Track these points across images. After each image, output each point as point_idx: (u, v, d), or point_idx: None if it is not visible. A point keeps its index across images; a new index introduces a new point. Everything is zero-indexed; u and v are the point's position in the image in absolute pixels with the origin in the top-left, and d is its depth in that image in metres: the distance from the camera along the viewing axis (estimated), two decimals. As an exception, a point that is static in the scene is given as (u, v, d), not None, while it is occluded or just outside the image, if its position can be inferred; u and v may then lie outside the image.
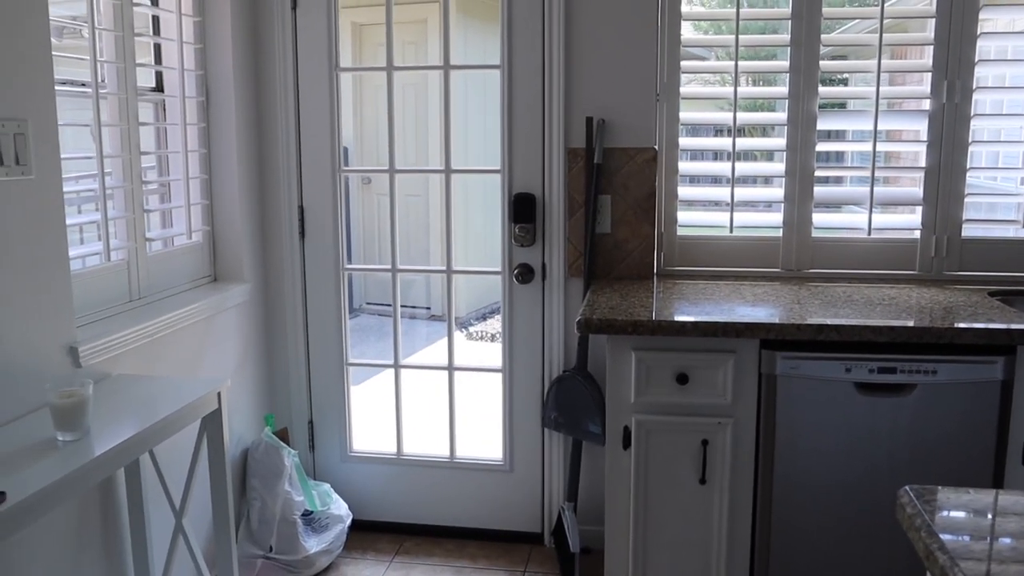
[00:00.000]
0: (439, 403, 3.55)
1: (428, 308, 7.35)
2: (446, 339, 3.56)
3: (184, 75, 3.04)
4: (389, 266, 3.49)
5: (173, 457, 2.68)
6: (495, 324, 7.04)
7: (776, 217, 3.22)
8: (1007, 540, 1.25)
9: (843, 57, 4.10)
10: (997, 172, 3.56)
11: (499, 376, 3.44)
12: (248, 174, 3.31)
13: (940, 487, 1.41)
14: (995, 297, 2.88)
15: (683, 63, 3.18)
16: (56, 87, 2.33)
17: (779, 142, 3.18)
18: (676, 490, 2.64)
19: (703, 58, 4.38)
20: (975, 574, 1.14)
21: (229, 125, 3.21)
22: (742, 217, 3.23)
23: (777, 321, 2.52)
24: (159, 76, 3.05)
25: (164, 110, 3.09)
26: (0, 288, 2.12)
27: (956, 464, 2.53)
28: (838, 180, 3.40)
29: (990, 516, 1.34)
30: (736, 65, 3.09)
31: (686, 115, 3.21)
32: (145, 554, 2.64)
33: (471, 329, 7.24)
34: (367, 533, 3.56)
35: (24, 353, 2.20)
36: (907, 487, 1.40)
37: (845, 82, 4.01)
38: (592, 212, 3.17)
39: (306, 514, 3.27)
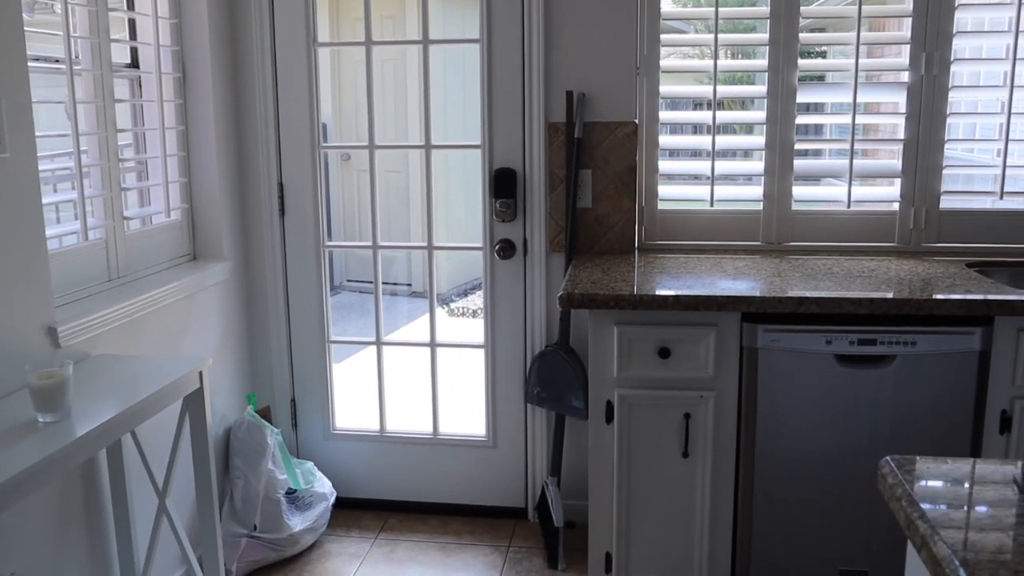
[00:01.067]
0: (422, 380, 3.55)
1: (409, 285, 7.34)
2: (427, 315, 3.56)
3: (160, 51, 3.00)
4: (370, 243, 3.47)
5: (155, 437, 2.67)
6: (476, 300, 7.04)
7: (756, 190, 3.23)
8: (984, 508, 1.27)
9: (822, 29, 4.10)
10: (974, 144, 3.58)
11: (481, 352, 3.44)
12: (226, 151, 3.28)
13: (920, 457, 1.42)
14: (973, 268, 2.90)
15: (663, 36, 3.17)
16: (29, 64, 2.29)
17: (759, 115, 3.18)
18: (659, 464, 2.66)
19: (683, 31, 4.36)
20: (954, 541, 1.15)
21: (206, 102, 3.17)
22: (723, 191, 3.23)
23: (758, 294, 2.53)
24: (134, 52, 3.01)
25: (140, 87, 3.05)
26: (-24, 269, 2.10)
27: (935, 434, 2.56)
28: (817, 153, 3.41)
29: (968, 485, 1.35)
30: (716, 38, 3.08)
31: (666, 88, 3.20)
32: (128, 535, 2.63)
33: (452, 305, 7.23)
34: (351, 511, 3.57)
35: (2, 334, 2.18)
36: (888, 457, 1.41)
37: (824, 54, 4.01)
38: (573, 187, 3.17)
39: (290, 492, 3.27)
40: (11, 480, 1.75)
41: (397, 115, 7.07)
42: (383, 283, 3.52)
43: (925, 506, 1.25)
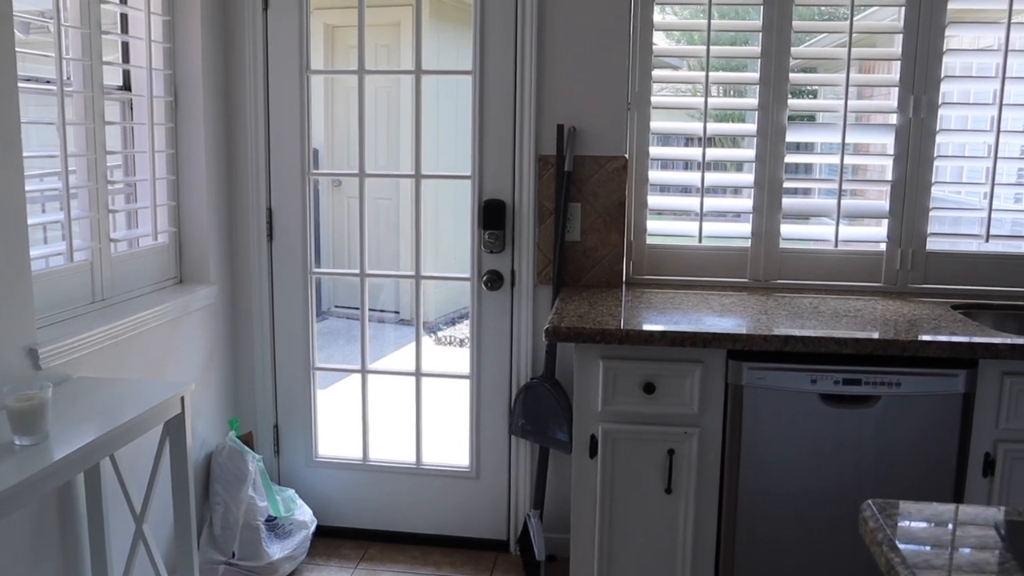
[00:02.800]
0: (406, 408, 3.53)
1: (397, 312, 7.32)
2: (414, 343, 3.55)
3: (152, 74, 3.00)
4: (358, 270, 3.46)
5: (135, 461, 2.64)
6: (464, 329, 7.02)
7: (745, 228, 3.24)
8: (966, 553, 1.26)
9: (813, 70, 4.14)
10: (961, 187, 3.60)
11: (467, 382, 3.43)
12: (216, 175, 3.28)
13: (902, 501, 1.42)
14: (958, 310, 2.92)
15: (655, 72, 3.19)
16: (20, 84, 2.29)
17: (748, 153, 3.20)
18: (642, 499, 2.64)
19: (678, 68, 4.39)
20: (935, 589, 1.14)
21: (197, 126, 3.17)
22: (711, 227, 3.24)
23: (744, 332, 2.53)
24: (126, 75, 3.01)
25: (131, 109, 3.05)
26: (-42, 288, 2.08)
27: (919, 475, 2.56)
28: (807, 192, 3.43)
29: (951, 529, 1.34)
30: (707, 76, 3.10)
31: (657, 124, 3.22)
32: (104, 560, 2.59)
33: (440, 334, 7.21)
34: (332, 539, 3.53)
35: (-18, 354, 2.16)
36: (870, 501, 1.41)
37: (815, 94, 4.04)
38: (562, 219, 3.17)
39: (270, 520, 3.23)
40: (-15, 503, 1.73)
41: (389, 143, 7.10)
42: (371, 310, 3.50)
43: (906, 551, 1.25)
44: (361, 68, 3.28)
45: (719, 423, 2.59)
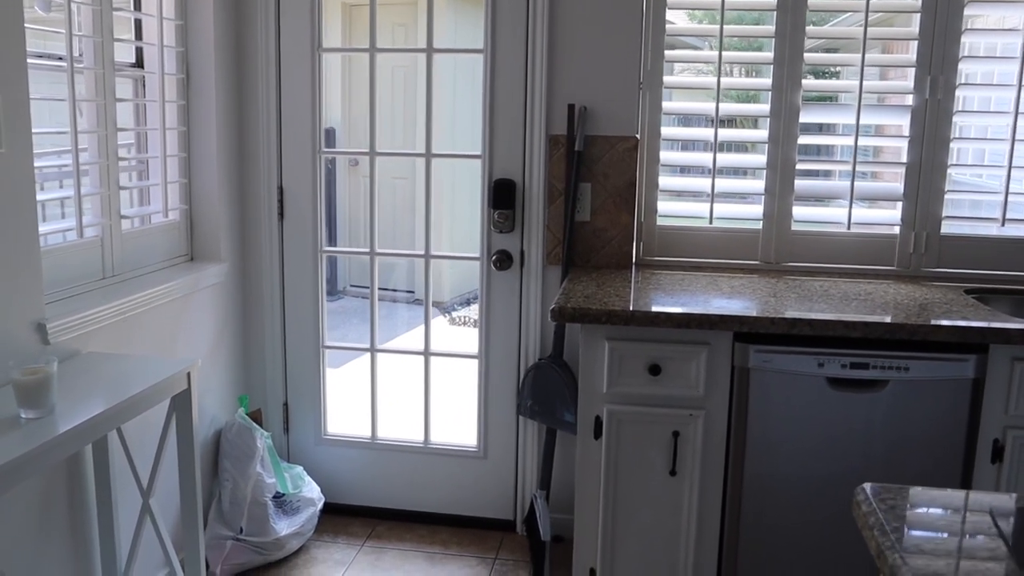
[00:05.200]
0: (416, 388, 3.54)
1: (411, 292, 7.33)
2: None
3: (164, 51, 3.01)
4: (368, 249, 3.47)
5: (143, 436, 2.66)
6: (477, 310, 7.02)
7: (756, 209, 3.22)
8: (958, 539, 1.25)
9: (836, 50, 4.08)
10: (979, 170, 3.56)
11: (475, 362, 3.43)
12: (227, 153, 3.29)
13: (897, 486, 1.41)
14: (972, 295, 2.88)
15: (667, 52, 3.16)
16: (32, 60, 2.30)
17: (761, 134, 3.17)
18: (646, 481, 2.64)
19: (697, 47, 4.35)
20: (923, 573, 1.13)
21: (209, 103, 3.18)
22: (722, 208, 3.22)
23: (752, 314, 2.51)
24: (139, 52, 3.01)
25: (143, 86, 3.05)
26: (-34, 262, 2.10)
27: (928, 460, 2.54)
28: (826, 174, 3.39)
29: (945, 515, 1.33)
30: (720, 55, 3.07)
31: (669, 104, 3.19)
32: (112, 534, 2.62)
33: (455, 314, 7.22)
34: (340, 517, 3.56)
35: (-10, 329, 2.18)
36: (864, 485, 1.40)
37: (837, 75, 4.00)
38: (572, 200, 3.16)
39: (277, 496, 3.26)
40: (-12, 475, 1.75)
41: (406, 122, 7.08)
42: (385, 290, 3.52)
43: (896, 536, 1.24)
44: (373, 46, 3.27)
45: (725, 406, 2.58)
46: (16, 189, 2.23)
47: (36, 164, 2.32)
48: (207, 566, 3.04)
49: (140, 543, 2.65)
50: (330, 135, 7.24)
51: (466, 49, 3.40)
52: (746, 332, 2.51)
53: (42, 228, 2.36)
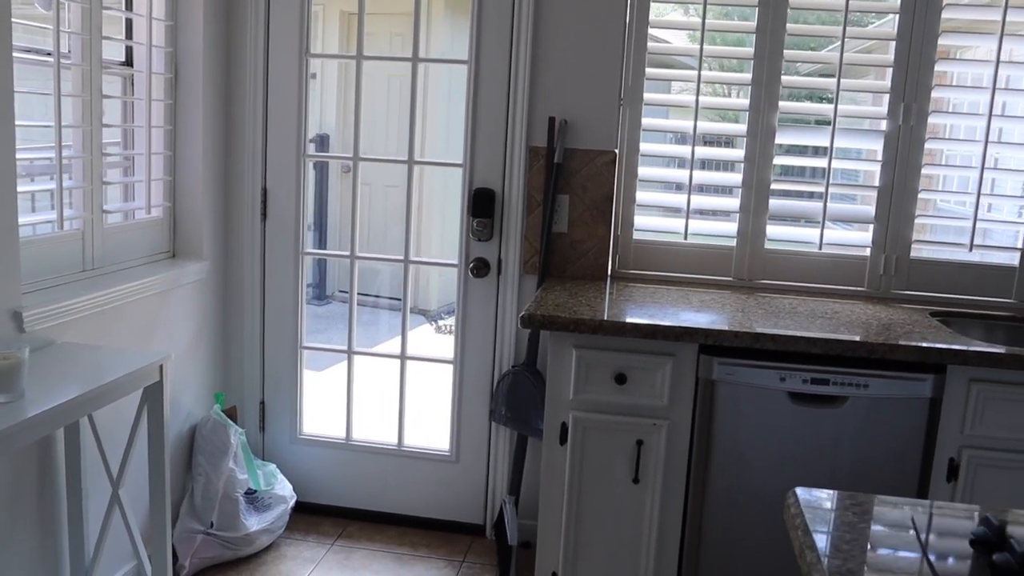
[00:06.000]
0: (393, 391, 3.58)
1: (398, 299, 7.35)
2: (412, 329, 3.59)
3: (152, 51, 3.06)
4: (348, 253, 3.52)
5: (115, 428, 2.70)
6: (465, 319, 7.04)
7: (731, 227, 3.27)
8: (877, 545, 1.30)
9: (830, 75, 4.13)
10: (949, 195, 3.61)
11: (450, 367, 3.47)
12: (213, 153, 3.34)
13: (827, 491, 1.45)
14: (936, 317, 2.94)
15: (648, 70, 3.22)
16: (19, 55, 2.35)
17: (738, 153, 3.23)
18: (610, 488, 2.68)
19: (691, 67, 4.41)
20: (837, 571, 1.18)
21: (196, 103, 3.23)
22: (698, 225, 3.28)
23: (717, 327, 2.57)
24: (128, 51, 3.07)
25: (132, 85, 3.11)
26: (-56, 248, 2.14)
27: (885, 477, 2.59)
28: (798, 194, 3.43)
29: (868, 522, 1.38)
30: (699, 75, 3.14)
31: (648, 120, 3.25)
32: (80, 522, 2.66)
33: (440, 323, 7.26)
34: (311, 516, 3.60)
35: (-34, 314, 2.23)
36: (797, 488, 1.45)
37: (829, 99, 4.04)
38: (550, 211, 3.21)
39: (249, 492, 3.29)
40: (-46, 455, 1.79)
41: (400, 130, 7.14)
42: (369, 295, 3.56)
43: (818, 537, 1.29)
44: (360, 54, 3.33)
45: (688, 416, 2.63)
46: (-2, 179, 2.28)
47: (26, 156, 2.36)
48: (176, 558, 3.07)
49: (108, 533, 2.68)
50: (324, 141, 7.30)
51: (451, 60, 3.46)
52: (711, 345, 2.57)
53: (24, 219, 2.41)
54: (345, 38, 7.23)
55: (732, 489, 2.65)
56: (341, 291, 7.51)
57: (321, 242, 7.21)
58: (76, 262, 2.78)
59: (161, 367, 2.52)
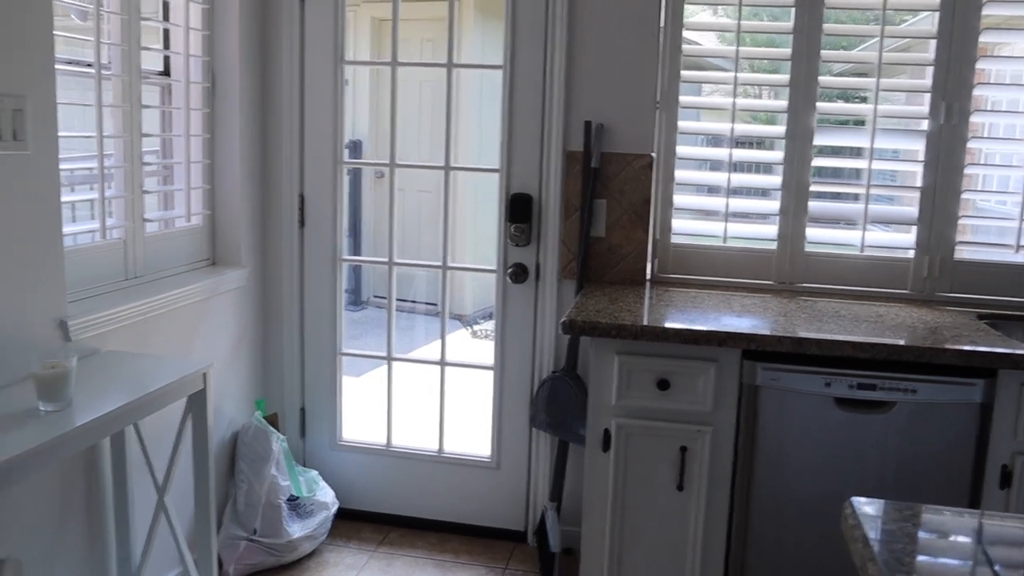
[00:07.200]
0: (432, 397, 3.58)
1: (434, 304, 7.37)
2: (448, 335, 3.59)
3: (190, 60, 3.08)
4: (386, 259, 3.52)
5: (160, 436, 2.72)
6: (500, 323, 7.04)
7: (771, 229, 3.24)
8: (940, 557, 1.27)
9: (864, 74, 4.08)
10: (993, 195, 3.56)
11: (490, 373, 3.47)
12: (250, 161, 3.36)
13: (883, 501, 1.43)
14: (983, 320, 2.89)
15: (683, 72, 3.20)
16: (62, 66, 2.37)
17: (776, 155, 3.19)
18: (653, 495, 2.66)
19: (725, 69, 4.38)
20: (900, 585, 1.16)
21: (233, 112, 3.25)
22: (737, 228, 3.25)
23: (760, 332, 2.54)
24: (167, 60, 3.09)
25: (170, 94, 3.13)
26: (-7, 260, 2.17)
27: (936, 484, 2.54)
28: (841, 196, 3.39)
29: (929, 533, 1.35)
30: (735, 76, 3.11)
31: (684, 124, 3.23)
32: (127, 529, 2.68)
33: (476, 328, 7.26)
34: (352, 522, 3.60)
35: (14, 325, 2.25)
36: (853, 498, 1.42)
37: (865, 99, 3.99)
38: (587, 215, 3.20)
39: (292, 499, 3.30)
40: (5, 463, 1.80)
41: (433, 136, 7.15)
42: (407, 301, 3.57)
43: (879, 549, 1.26)
44: (394, 60, 3.33)
45: (732, 422, 2.60)
46: (41, 190, 2.30)
47: (67, 167, 2.39)
48: (220, 565, 3.08)
49: (155, 539, 2.71)
50: (357, 147, 7.33)
51: (487, 65, 3.46)
52: (754, 350, 2.54)
53: (67, 229, 2.43)
54: (376, 44, 7.26)
55: (777, 496, 2.62)
56: (376, 296, 7.54)
57: (356, 248, 7.23)
58: (118, 271, 2.80)
59: (205, 375, 2.54)
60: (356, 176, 7.40)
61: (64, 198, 2.42)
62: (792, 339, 2.49)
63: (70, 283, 2.47)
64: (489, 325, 7.26)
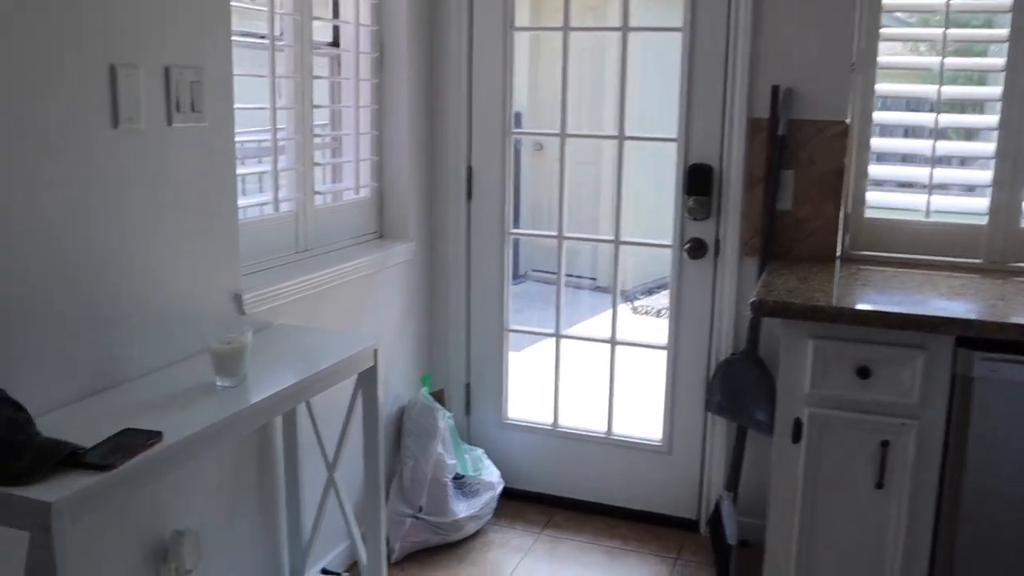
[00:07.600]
0: (598, 376, 3.45)
1: (594, 279, 7.24)
2: (610, 311, 3.45)
3: (359, 30, 3.03)
4: (555, 233, 3.40)
5: (329, 412, 2.69)
6: (661, 299, 6.85)
7: (981, 202, 2.92)
8: None
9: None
10: None
11: (663, 353, 3.30)
12: (418, 132, 3.29)
13: None
14: None
15: (883, 30, 2.91)
16: (235, 38, 2.34)
17: (991, 119, 2.87)
18: (849, 492, 2.44)
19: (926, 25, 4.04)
20: None
21: (401, 82, 3.18)
22: (941, 201, 2.95)
23: (976, 318, 2.27)
24: (336, 31, 3.05)
25: (339, 65, 3.08)
26: (170, 231, 2.15)
27: None
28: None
29: None
30: (945, 33, 2.81)
31: (882, 87, 2.94)
32: (298, 504, 2.67)
33: (636, 303, 7.08)
34: (517, 502, 3.51)
35: (190, 297, 2.24)
36: None
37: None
38: (773, 187, 2.97)
39: (457, 477, 3.24)
40: (184, 440, 1.78)
41: (592, 106, 6.97)
42: (567, 275, 3.44)
43: None
44: (566, 25, 3.19)
45: (942, 416, 2.34)
46: (217, 162, 2.28)
47: (237, 139, 2.36)
48: (386, 541, 3.05)
49: (324, 515, 2.69)
50: (516, 118, 7.23)
51: (663, 27, 3.26)
52: (970, 337, 2.27)
53: (240, 201, 2.41)
54: (536, 13, 7.12)
55: (991, 498, 2.35)
56: (535, 270, 7.45)
57: (516, 221, 7.16)
58: (289, 244, 2.77)
59: (375, 352, 2.47)
60: (515, 149, 7.31)
61: (239, 171, 2.39)
62: (1017, 326, 2.21)
63: (243, 256, 2.45)
64: (650, 300, 7.08)
